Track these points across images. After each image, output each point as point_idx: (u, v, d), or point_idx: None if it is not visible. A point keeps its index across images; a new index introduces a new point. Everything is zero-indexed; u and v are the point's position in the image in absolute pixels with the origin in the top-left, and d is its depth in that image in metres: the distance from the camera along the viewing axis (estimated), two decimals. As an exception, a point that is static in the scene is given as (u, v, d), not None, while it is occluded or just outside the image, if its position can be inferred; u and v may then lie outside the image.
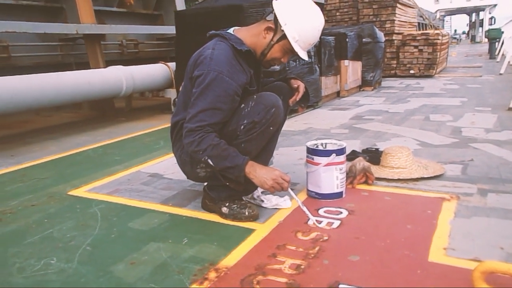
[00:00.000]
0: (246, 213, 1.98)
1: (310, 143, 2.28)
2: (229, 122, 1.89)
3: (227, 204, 2.01)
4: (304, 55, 1.92)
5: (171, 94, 5.25)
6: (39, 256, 1.72)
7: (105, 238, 1.86)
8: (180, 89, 2.06)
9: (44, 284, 1.51)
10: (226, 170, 1.83)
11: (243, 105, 1.90)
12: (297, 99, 2.15)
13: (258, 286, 1.45)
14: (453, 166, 2.67)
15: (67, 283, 1.51)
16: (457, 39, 37.06)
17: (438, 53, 8.66)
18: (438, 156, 2.92)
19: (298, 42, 1.87)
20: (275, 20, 1.87)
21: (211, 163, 1.82)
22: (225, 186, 1.98)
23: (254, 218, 1.98)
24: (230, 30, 1.98)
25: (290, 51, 1.92)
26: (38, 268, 1.62)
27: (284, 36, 1.87)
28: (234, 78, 1.83)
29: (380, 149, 2.83)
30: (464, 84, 7.33)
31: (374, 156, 2.74)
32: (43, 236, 1.90)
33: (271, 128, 1.93)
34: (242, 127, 1.88)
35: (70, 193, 2.46)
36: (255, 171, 1.84)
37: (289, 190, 1.93)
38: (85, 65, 5.37)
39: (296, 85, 2.15)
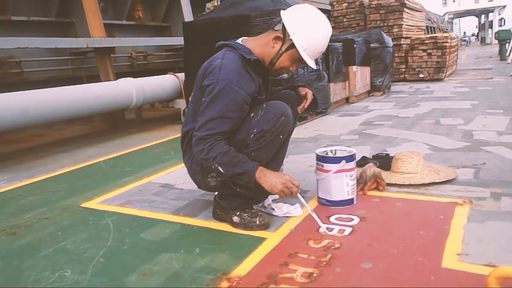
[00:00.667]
0: (257, 222, 1.98)
1: (319, 150, 2.28)
2: (238, 131, 1.90)
3: (238, 213, 2.02)
4: (312, 64, 1.94)
5: (181, 104, 5.30)
6: (54, 268, 1.74)
7: (118, 250, 1.88)
8: (190, 99, 2.08)
9: (59, 296, 1.53)
10: (237, 176, 1.84)
11: (252, 114, 1.91)
12: (305, 107, 2.16)
13: (270, 295, 1.45)
14: (465, 170, 2.65)
15: (81, 295, 1.53)
16: (467, 41, 36.82)
17: (447, 56, 8.61)
18: (450, 160, 2.89)
19: (307, 51, 1.89)
20: (284, 29, 1.89)
21: (221, 170, 1.83)
22: (236, 195, 1.99)
23: (265, 226, 1.99)
24: (239, 40, 2.00)
25: (298, 60, 1.94)
26: (53, 280, 1.64)
27: (292, 45, 1.88)
28: (243, 87, 1.84)
29: (390, 155, 2.82)
30: (474, 86, 7.27)
31: (384, 161, 2.72)
32: (57, 249, 1.92)
33: (281, 136, 1.94)
34: (252, 136, 1.89)
35: (82, 205, 2.49)
36: (265, 176, 1.85)
37: (298, 195, 1.93)
38: (95, 78, 5.45)
39: (304, 93, 2.16)
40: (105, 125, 5.49)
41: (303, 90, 2.18)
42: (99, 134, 4.94)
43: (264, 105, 1.94)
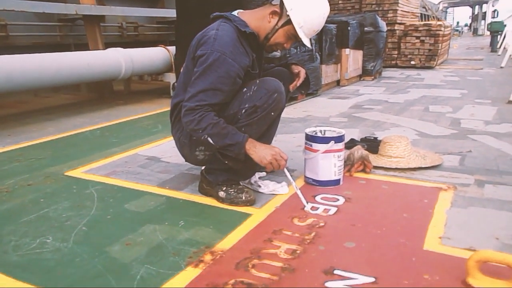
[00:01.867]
0: (243, 198, 1.98)
1: (309, 130, 2.27)
2: (230, 105, 1.88)
3: (224, 188, 2.01)
4: (307, 42, 1.91)
5: (170, 78, 5.22)
6: (35, 234, 1.72)
7: (101, 219, 1.86)
8: (181, 70, 2.04)
9: (40, 262, 1.51)
10: (227, 147, 1.83)
11: (245, 89, 1.89)
12: (298, 84, 2.14)
13: (253, 270, 1.45)
14: (451, 157, 2.67)
15: (62, 262, 1.51)
16: (459, 32, 36.85)
17: (440, 45, 8.61)
18: (437, 146, 2.92)
19: (303, 28, 1.86)
20: (281, 4, 1.85)
21: (211, 141, 1.81)
22: (223, 170, 1.98)
23: (250, 203, 1.98)
24: (235, 13, 1.96)
25: (293, 37, 1.91)
26: (34, 246, 1.62)
27: (289, 21, 1.85)
28: (237, 60, 1.81)
29: (378, 138, 2.83)
30: (464, 76, 7.31)
31: (372, 145, 2.73)
32: (39, 215, 1.89)
33: (272, 113, 1.93)
34: (243, 111, 1.88)
35: (66, 173, 2.45)
36: (255, 147, 1.84)
37: (285, 169, 1.93)
38: (84, 47, 5.33)
39: (297, 71, 2.14)
40: (92, 95, 5.39)
41: (296, 68, 2.16)
42: (86, 104, 4.85)
43: (258, 81, 1.91)
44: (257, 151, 1.84)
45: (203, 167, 2.14)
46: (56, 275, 1.43)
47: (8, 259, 1.53)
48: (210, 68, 1.78)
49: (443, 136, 3.21)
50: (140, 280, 1.40)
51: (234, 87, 1.85)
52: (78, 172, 2.47)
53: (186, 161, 2.15)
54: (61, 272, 1.45)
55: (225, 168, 1.98)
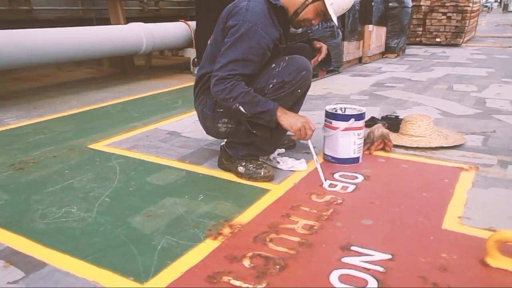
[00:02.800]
0: (262, 173, 1.99)
1: (329, 107, 2.26)
2: (257, 80, 1.90)
3: (243, 164, 2.03)
4: (336, 20, 1.93)
5: (191, 53, 5.21)
6: (60, 204, 1.78)
7: (123, 191, 1.91)
8: (209, 41, 2.05)
9: (65, 230, 1.57)
10: (258, 115, 1.84)
11: (274, 64, 1.90)
12: (319, 60, 2.14)
13: (271, 244, 1.48)
14: (474, 137, 2.62)
15: (86, 231, 1.56)
16: (488, 8, 35.49)
17: (467, 21, 8.32)
18: (460, 126, 2.86)
19: (333, 5, 1.88)
20: None
21: (242, 110, 1.82)
22: (244, 145, 2.01)
23: (269, 178, 2.00)
24: None
25: (323, 14, 1.92)
26: (60, 215, 1.68)
27: None
28: (268, 32, 1.82)
29: (400, 117, 2.79)
30: (492, 54, 7.08)
31: (393, 123, 2.70)
32: (64, 186, 1.95)
33: (299, 90, 1.95)
34: (271, 85, 1.89)
35: (89, 146, 2.51)
36: (285, 114, 1.86)
37: (309, 141, 1.95)
38: (105, 21, 5.34)
39: (318, 46, 2.13)
40: (114, 70, 5.44)
41: (318, 44, 2.15)
42: (108, 78, 4.91)
43: (287, 58, 1.93)
44: (288, 117, 1.86)
45: (223, 142, 2.16)
46: (81, 243, 1.49)
47: (36, 227, 1.60)
48: (241, 39, 1.79)
49: (467, 116, 3.15)
50: (161, 250, 1.44)
51: (264, 59, 1.86)
52: (101, 145, 2.52)
53: (207, 133, 2.17)
54: (86, 241, 1.50)
55: (247, 142, 2.00)
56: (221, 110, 1.99)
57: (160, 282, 1.27)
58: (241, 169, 2.03)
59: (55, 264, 1.36)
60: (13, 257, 1.40)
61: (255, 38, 1.78)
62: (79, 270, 1.33)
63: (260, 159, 2.10)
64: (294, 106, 2.03)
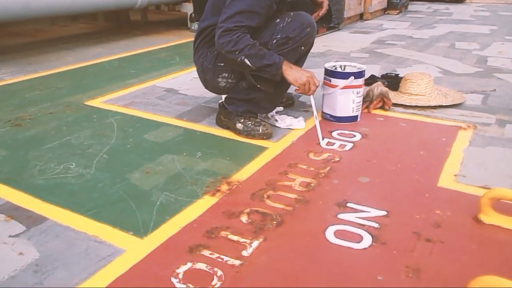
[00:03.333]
0: (260, 131, 1.99)
1: (328, 65, 2.23)
2: (261, 34, 1.86)
3: (242, 120, 2.02)
4: None
5: (188, 8, 5.06)
6: (59, 160, 1.78)
7: (121, 148, 1.91)
8: None
9: (64, 186, 1.58)
10: (263, 68, 1.82)
11: (278, 19, 1.88)
12: (320, 15, 2.09)
13: (268, 200, 1.50)
14: (474, 96, 2.61)
15: (85, 187, 1.58)
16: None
17: (473, -24, 8.07)
18: (460, 85, 2.84)
19: None
20: None
21: (248, 63, 1.80)
22: (244, 101, 2.00)
23: (267, 136, 2.00)
24: None
25: None
26: (58, 171, 1.69)
27: None
28: None
29: (400, 75, 2.75)
30: (496, 11, 6.92)
31: (393, 81, 2.67)
32: (62, 143, 1.95)
33: (303, 48, 1.94)
34: (274, 41, 1.87)
35: (86, 103, 2.48)
36: (291, 68, 1.85)
37: (311, 97, 1.96)
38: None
39: (320, 1, 2.08)
40: (109, 25, 5.31)
41: None
42: (103, 33, 4.79)
43: (292, 13, 1.90)
44: (293, 71, 1.85)
45: (221, 99, 2.15)
46: (81, 198, 1.50)
47: (35, 183, 1.61)
48: None
49: (468, 74, 3.11)
50: (160, 206, 1.46)
51: (269, 12, 1.84)
52: (98, 102, 2.50)
53: (206, 87, 2.14)
54: (85, 196, 1.52)
55: (246, 99, 1.99)
56: (222, 64, 1.96)
57: (159, 236, 1.30)
58: (239, 125, 2.02)
59: (55, 219, 1.38)
60: (13, 211, 1.42)
61: None
62: (79, 224, 1.35)
63: (258, 117, 2.09)
64: (296, 63, 2.00)
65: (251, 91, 1.96)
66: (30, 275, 1.13)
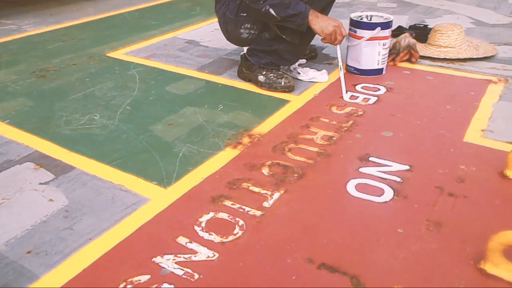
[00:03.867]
0: (282, 83, 1.96)
1: (354, 15, 2.14)
2: None
3: (264, 73, 1.99)
4: None
5: (209, -44, 4.89)
6: (83, 111, 1.81)
7: (144, 100, 1.92)
8: None
9: (90, 137, 1.61)
10: (289, 18, 1.77)
11: None
12: None
13: (289, 153, 1.50)
14: (507, 48, 2.48)
15: (110, 138, 1.61)
16: None
17: None
18: (492, 36, 2.70)
19: None
20: None
21: (273, 12, 1.75)
22: (266, 53, 1.95)
23: (289, 89, 1.97)
24: None
25: None
26: (83, 122, 1.72)
27: None
28: None
29: (429, 26, 2.64)
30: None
31: (421, 33, 2.56)
32: (86, 94, 1.97)
33: None
34: None
35: (108, 54, 2.48)
36: (317, 17, 1.79)
37: (338, 47, 1.91)
38: None
39: None
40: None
41: None
42: (123, -17, 4.70)
43: None
44: (319, 21, 1.79)
45: (243, 51, 2.11)
46: (105, 149, 1.54)
47: (62, 132, 1.65)
48: None
49: (501, 25, 2.96)
50: (182, 157, 1.48)
51: None
52: (119, 54, 2.50)
53: (227, 39, 2.09)
54: (110, 147, 1.55)
55: (269, 50, 1.95)
56: (244, 14, 1.91)
57: (182, 186, 1.33)
58: (261, 78, 1.99)
59: (82, 168, 1.42)
60: (42, 160, 1.47)
61: None
62: (105, 173, 1.39)
63: (281, 70, 2.05)
64: (322, 12, 1.92)
65: (274, 43, 1.92)
66: (61, 220, 1.18)
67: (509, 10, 3.35)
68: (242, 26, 1.95)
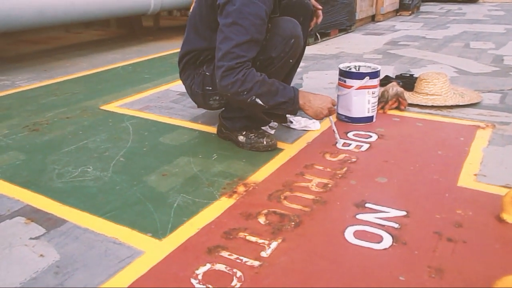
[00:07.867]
0: (264, 142, 1.87)
1: (343, 65, 2.21)
2: None
3: (244, 133, 1.90)
4: None
5: (200, 13, 5.09)
6: (76, 164, 1.79)
7: (138, 151, 1.92)
8: (191, 10, 1.87)
9: (82, 189, 1.59)
10: (279, 106, 1.67)
11: None
12: (318, 23, 2.04)
13: (285, 201, 1.49)
14: (491, 95, 2.57)
15: (103, 190, 1.59)
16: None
17: (486, -24, 7.99)
18: (476, 84, 2.80)
19: None
20: None
21: (260, 102, 1.63)
22: (241, 117, 1.89)
23: (272, 147, 1.88)
24: None
25: None
26: (76, 174, 1.70)
27: None
28: (264, 1, 1.60)
29: (414, 75, 2.73)
30: (510, 10, 6.84)
31: (408, 81, 2.64)
32: (79, 146, 1.97)
33: (291, 60, 1.78)
34: (257, 63, 1.68)
35: (102, 107, 2.51)
36: (309, 101, 1.71)
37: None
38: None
39: (317, 8, 2.02)
40: (122, 31, 5.37)
41: (316, 5, 2.03)
42: (116, 39, 4.85)
43: (269, 25, 1.68)
44: (312, 105, 1.71)
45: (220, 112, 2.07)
46: (99, 201, 1.51)
47: (54, 186, 1.62)
48: (240, 17, 1.56)
49: (484, 74, 3.07)
50: (177, 207, 1.46)
51: (265, 34, 1.66)
52: (113, 107, 2.52)
53: (198, 107, 2.05)
54: (103, 199, 1.52)
55: (242, 115, 1.87)
56: (210, 88, 1.83)
57: (177, 237, 1.30)
58: (241, 138, 1.89)
59: (74, 221, 1.39)
60: (33, 214, 1.43)
61: (253, 10, 1.56)
62: (98, 226, 1.36)
63: (261, 128, 1.97)
64: (288, 75, 1.91)
65: (247, 108, 1.80)
66: (51, 277, 1.14)
67: (490, 59, 3.50)
68: (211, 99, 1.87)
